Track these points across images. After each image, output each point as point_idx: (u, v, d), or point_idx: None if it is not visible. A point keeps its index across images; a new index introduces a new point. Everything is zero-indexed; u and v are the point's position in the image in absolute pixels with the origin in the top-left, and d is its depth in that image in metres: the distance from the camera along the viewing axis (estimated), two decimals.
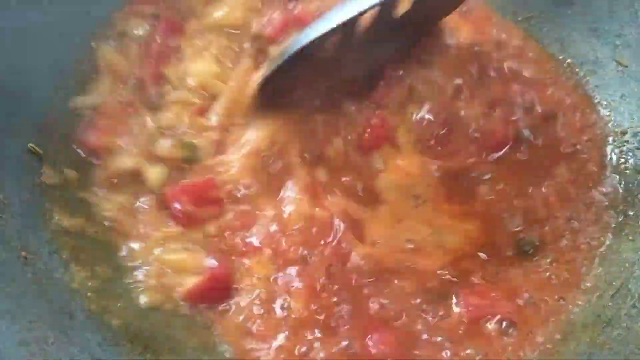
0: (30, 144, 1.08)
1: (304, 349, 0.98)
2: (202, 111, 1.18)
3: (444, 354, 1.00)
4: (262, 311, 1.01)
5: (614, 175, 1.20)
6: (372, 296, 1.04)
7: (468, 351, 1.00)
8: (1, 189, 1.00)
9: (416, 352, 1.00)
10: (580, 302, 1.08)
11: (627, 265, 1.09)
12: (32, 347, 0.85)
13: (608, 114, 1.27)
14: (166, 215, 1.09)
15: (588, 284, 1.09)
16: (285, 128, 1.15)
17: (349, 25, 1.03)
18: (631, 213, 1.15)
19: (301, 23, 1.18)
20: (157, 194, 1.11)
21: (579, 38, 1.33)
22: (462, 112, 1.18)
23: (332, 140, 1.16)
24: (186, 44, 1.24)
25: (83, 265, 1.04)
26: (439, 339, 1.01)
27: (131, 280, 1.04)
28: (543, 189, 1.17)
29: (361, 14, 1.02)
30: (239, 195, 1.11)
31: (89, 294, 1.01)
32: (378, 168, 1.16)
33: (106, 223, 1.09)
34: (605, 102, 1.28)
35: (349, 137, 1.17)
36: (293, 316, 1.00)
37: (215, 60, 1.21)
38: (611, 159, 1.22)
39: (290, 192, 1.10)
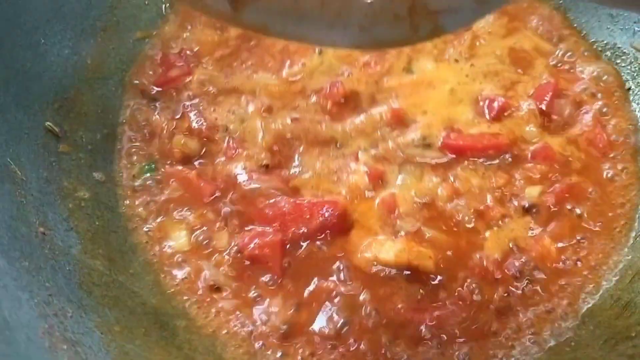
0: (48, 123, 1.08)
1: None
2: None
3: None
4: None
5: None
6: None
7: None
8: (20, 167, 1.00)
9: None
10: None
11: None
12: (51, 320, 0.86)
13: None
14: None
15: None
16: None
17: None
18: None
19: None
20: None
21: (597, 25, 1.32)
22: None
23: None
24: None
25: (99, 242, 1.04)
26: None
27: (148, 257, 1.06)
28: None
29: None
30: None
31: (105, 271, 1.01)
32: None
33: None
34: None
35: None
36: None
37: None
38: None
39: None
